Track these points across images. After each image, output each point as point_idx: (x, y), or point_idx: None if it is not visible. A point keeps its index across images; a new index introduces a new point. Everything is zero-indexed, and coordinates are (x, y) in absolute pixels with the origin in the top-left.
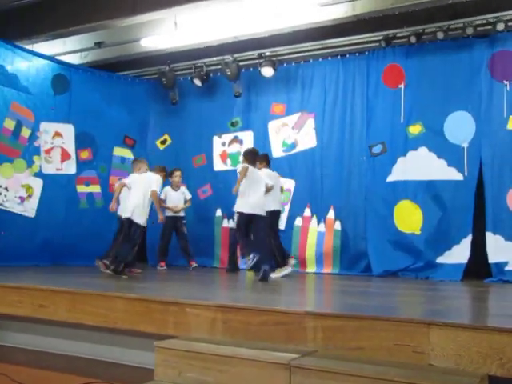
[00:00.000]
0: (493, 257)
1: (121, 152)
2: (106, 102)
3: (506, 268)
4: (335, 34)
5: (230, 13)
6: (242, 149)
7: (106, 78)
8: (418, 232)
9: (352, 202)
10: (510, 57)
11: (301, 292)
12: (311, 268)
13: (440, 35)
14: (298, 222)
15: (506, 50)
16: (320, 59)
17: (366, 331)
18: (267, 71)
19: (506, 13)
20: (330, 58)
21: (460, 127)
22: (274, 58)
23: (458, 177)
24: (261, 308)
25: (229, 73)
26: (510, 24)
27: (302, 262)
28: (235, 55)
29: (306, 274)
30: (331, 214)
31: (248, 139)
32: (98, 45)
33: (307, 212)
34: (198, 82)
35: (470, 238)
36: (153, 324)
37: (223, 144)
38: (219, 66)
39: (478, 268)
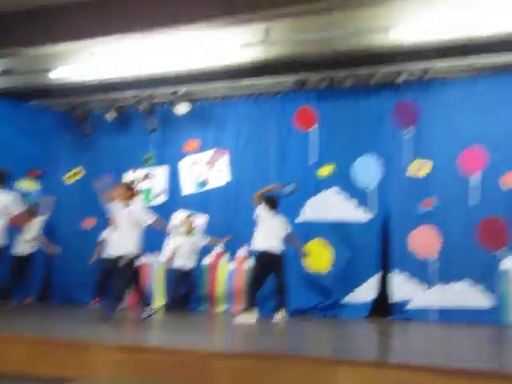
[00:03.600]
0: (396, 295)
1: (25, 184)
2: (12, 132)
3: (408, 306)
4: (251, 75)
5: (145, 48)
6: (154, 184)
7: (13, 107)
8: (327, 271)
9: None
10: (411, 106)
11: (209, 331)
12: (221, 306)
13: (349, 82)
14: (209, 258)
15: (407, 100)
16: (235, 98)
17: (274, 370)
18: (182, 108)
19: (408, 66)
20: (245, 98)
21: (368, 170)
22: (189, 96)
23: (366, 217)
24: (167, 348)
25: (143, 108)
26: (410, 76)
27: (212, 300)
28: (150, 90)
29: (215, 313)
30: (243, 251)
31: (162, 175)
32: (7, 72)
33: (219, 248)
34: (111, 116)
35: (376, 277)
36: (54, 367)
37: (135, 180)
38: (134, 100)
39: (382, 306)
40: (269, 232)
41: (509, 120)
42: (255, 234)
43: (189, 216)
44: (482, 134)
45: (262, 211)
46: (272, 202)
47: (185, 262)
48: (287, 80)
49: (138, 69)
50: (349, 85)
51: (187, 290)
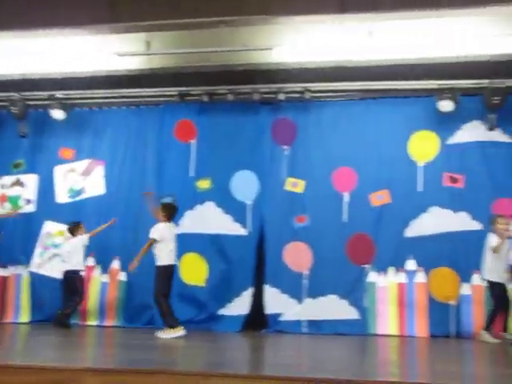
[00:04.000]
0: (269, 308)
1: None
2: None
3: (281, 319)
4: (131, 84)
5: (20, 48)
6: (24, 192)
7: None
8: (202, 284)
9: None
10: (289, 124)
11: (80, 346)
12: (93, 320)
13: (230, 97)
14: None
15: (286, 118)
16: (114, 107)
17: None
18: (57, 114)
19: (287, 85)
20: (124, 108)
21: (245, 185)
22: (66, 101)
23: (242, 232)
24: (31, 366)
25: (15, 111)
26: (290, 95)
27: (83, 314)
28: (23, 93)
29: (86, 327)
30: (116, 264)
31: (32, 182)
32: None
33: (90, 261)
34: None
35: (250, 290)
36: None
37: (2, 186)
38: (5, 103)
39: (256, 319)
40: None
41: (376, 143)
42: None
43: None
44: (352, 154)
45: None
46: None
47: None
48: (168, 92)
49: (11, 69)
50: (230, 100)
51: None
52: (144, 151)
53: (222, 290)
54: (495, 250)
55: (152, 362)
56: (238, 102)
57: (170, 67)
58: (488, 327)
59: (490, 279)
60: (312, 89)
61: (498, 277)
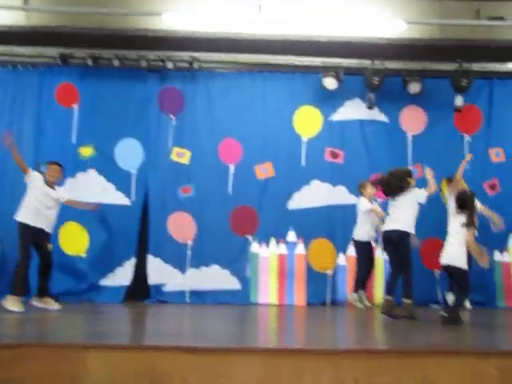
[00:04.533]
0: (152, 279)
1: None
2: None
3: (164, 289)
4: (8, 42)
5: None
6: None
7: None
8: (82, 254)
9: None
10: (177, 93)
11: None
12: None
13: (116, 63)
14: None
15: (173, 87)
16: None
17: (18, 360)
18: None
19: (176, 53)
20: None
21: (130, 154)
22: None
23: (126, 201)
24: None
25: None
26: (178, 64)
27: None
28: None
29: None
30: None
31: None
32: None
33: None
34: None
35: (133, 260)
36: None
37: None
38: None
39: (139, 289)
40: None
41: (262, 116)
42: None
43: None
44: (239, 126)
45: None
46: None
47: None
48: (49, 53)
49: None
50: (116, 66)
51: None
52: (21, 114)
53: (104, 260)
54: (367, 212)
55: (25, 335)
56: (124, 68)
57: (51, 26)
58: (357, 290)
59: (359, 239)
60: (201, 59)
61: (366, 236)
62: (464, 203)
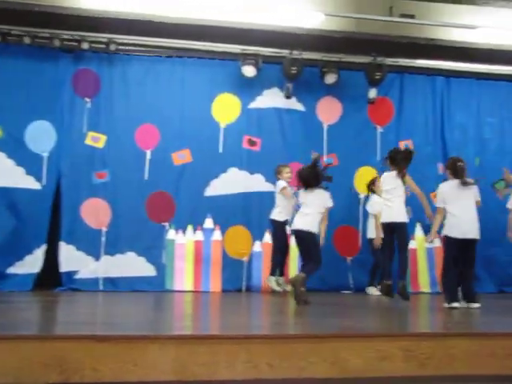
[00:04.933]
0: (64, 266)
1: None
2: None
3: (76, 276)
4: None
5: None
6: None
7: None
8: None
9: None
10: (92, 75)
11: None
12: None
13: (27, 40)
14: None
15: (88, 69)
16: None
17: None
18: None
19: (92, 34)
20: None
21: (41, 137)
22: None
23: (36, 186)
24: None
25: None
26: (93, 45)
27: None
28: None
29: None
30: None
31: None
32: None
33: None
34: None
35: (43, 247)
36: None
37: None
38: None
39: (50, 277)
40: None
41: (180, 102)
42: None
43: None
44: (156, 112)
45: None
46: None
47: None
48: None
49: None
50: (27, 43)
51: None
52: None
53: (12, 247)
54: (284, 193)
55: None
56: (36, 47)
57: None
58: (274, 272)
59: (276, 219)
60: (118, 41)
61: (284, 215)
62: (394, 159)
